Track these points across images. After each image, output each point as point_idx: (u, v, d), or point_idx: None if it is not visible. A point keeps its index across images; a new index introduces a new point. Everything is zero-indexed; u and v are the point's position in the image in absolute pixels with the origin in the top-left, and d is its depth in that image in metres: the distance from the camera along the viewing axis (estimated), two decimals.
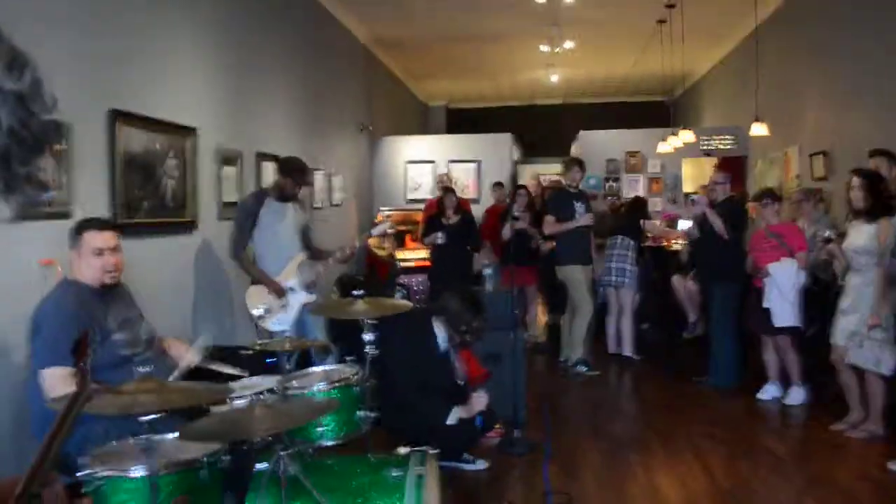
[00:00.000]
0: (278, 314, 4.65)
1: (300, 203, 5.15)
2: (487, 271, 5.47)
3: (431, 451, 2.79)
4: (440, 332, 4.00)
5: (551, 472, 4.21)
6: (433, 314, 4.03)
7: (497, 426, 4.70)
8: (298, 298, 4.78)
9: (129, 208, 4.28)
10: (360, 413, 2.94)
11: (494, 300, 5.20)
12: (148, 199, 4.49)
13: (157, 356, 3.20)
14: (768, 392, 5.66)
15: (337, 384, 2.93)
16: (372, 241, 9.37)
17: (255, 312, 4.66)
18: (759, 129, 7.48)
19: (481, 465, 4.25)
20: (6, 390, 3.27)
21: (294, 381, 2.98)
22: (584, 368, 6.56)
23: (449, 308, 3.93)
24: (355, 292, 3.29)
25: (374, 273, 9.02)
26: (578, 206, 6.57)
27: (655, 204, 9.98)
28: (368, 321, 3.20)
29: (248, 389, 2.98)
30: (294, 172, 4.89)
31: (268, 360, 4.68)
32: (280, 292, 4.69)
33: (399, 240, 9.23)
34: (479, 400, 3.86)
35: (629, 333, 7.07)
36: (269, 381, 3.06)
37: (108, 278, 3.02)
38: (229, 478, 2.52)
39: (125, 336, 3.05)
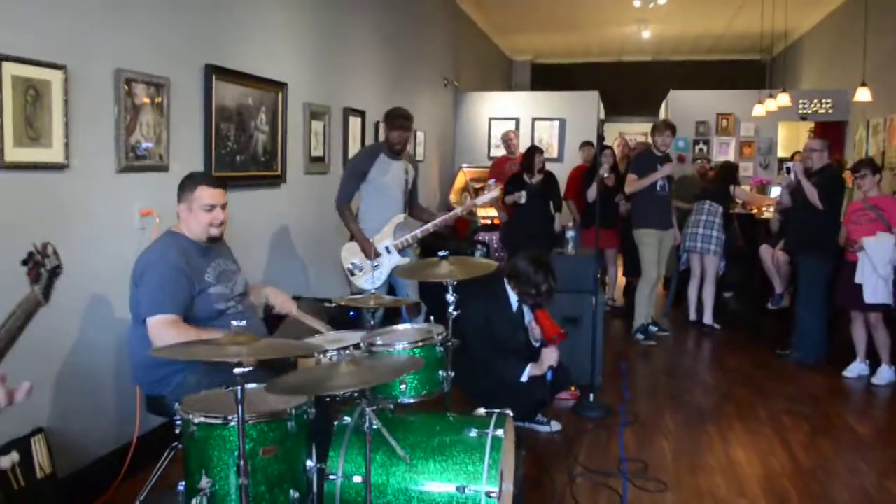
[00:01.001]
0: (370, 273, 4.71)
1: (411, 160, 5.08)
2: (570, 233, 5.40)
3: (510, 414, 2.81)
4: (512, 294, 4.02)
5: (626, 438, 4.22)
6: (505, 276, 4.04)
7: (573, 388, 4.78)
8: (391, 260, 4.82)
9: (222, 161, 4.41)
10: (442, 373, 2.99)
11: (576, 262, 5.18)
12: (240, 152, 4.61)
13: (249, 308, 3.31)
14: (855, 370, 5.48)
15: (420, 343, 2.98)
16: (453, 198, 9.45)
17: (348, 267, 4.79)
18: (864, 94, 7.10)
19: (555, 426, 4.28)
20: (109, 338, 3.45)
21: (379, 338, 3.04)
22: (641, 336, 6.48)
23: (519, 270, 3.94)
24: (441, 253, 3.32)
25: (455, 230, 9.05)
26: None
27: (746, 169, 9.66)
28: (451, 282, 3.24)
29: (334, 344, 3.06)
30: (387, 118, 4.88)
31: (350, 314, 4.82)
32: (371, 254, 4.72)
33: None
34: (550, 355, 3.87)
35: (710, 302, 6.96)
36: (355, 337, 3.14)
37: (216, 231, 3.12)
38: (314, 430, 2.61)
39: (222, 290, 3.16)
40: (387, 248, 4.82)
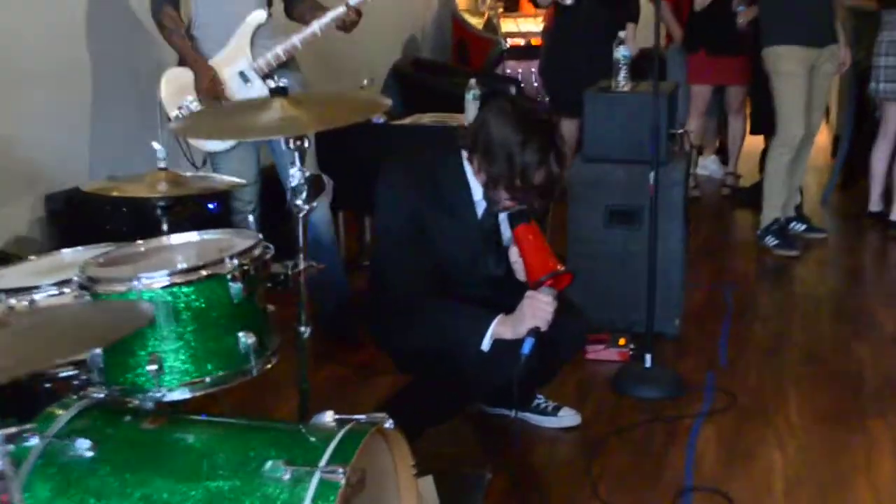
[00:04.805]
0: None
1: None
2: (624, 52, 4.81)
3: (387, 426, 2.17)
4: (475, 183, 3.30)
5: (701, 443, 3.62)
6: (464, 147, 3.31)
7: (621, 342, 4.47)
8: (253, 94, 4.22)
9: None
10: (246, 338, 2.26)
11: (632, 107, 4.64)
12: None
13: None
14: None
15: (205, 274, 2.27)
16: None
17: (174, 114, 4.22)
18: None
19: (569, 419, 3.78)
20: None
21: (115, 267, 2.43)
22: (772, 241, 6.17)
23: (490, 135, 3.13)
24: (272, 83, 2.64)
25: (466, 56, 8.76)
26: None
27: None
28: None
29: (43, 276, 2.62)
30: None
31: (210, 206, 4.57)
32: (213, 87, 4.19)
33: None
34: (535, 308, 3.08)
35: None
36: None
37: None
38: None
39: None
40: (241, 74, 4.31)
